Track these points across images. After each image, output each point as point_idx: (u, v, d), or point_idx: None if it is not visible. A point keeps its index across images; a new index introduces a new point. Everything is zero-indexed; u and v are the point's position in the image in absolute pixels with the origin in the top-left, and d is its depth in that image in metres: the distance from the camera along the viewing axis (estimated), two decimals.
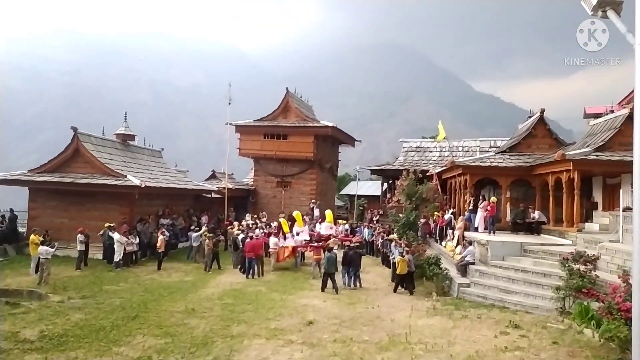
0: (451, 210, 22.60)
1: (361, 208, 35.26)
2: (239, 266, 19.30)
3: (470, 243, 16.69)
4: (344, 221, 27.50)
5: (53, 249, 16.39)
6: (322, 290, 15.81)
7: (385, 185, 34.34)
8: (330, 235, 21.87)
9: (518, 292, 13.76)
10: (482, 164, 20.55)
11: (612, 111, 19.36)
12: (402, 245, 17.54)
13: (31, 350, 9.18)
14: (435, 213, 23.13)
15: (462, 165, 21.14)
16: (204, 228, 22.90)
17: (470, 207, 19.66)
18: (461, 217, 19.96)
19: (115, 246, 18.85)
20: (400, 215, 23.93)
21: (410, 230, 21.85)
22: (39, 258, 15.98)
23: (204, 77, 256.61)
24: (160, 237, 19.95)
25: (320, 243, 19.58)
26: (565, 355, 9.25)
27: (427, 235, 22.84)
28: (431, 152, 33.64)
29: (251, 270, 17.93)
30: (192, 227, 23.45)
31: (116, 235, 18.92)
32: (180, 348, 9.44)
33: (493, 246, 15.72)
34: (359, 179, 40.47)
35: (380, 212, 30.24)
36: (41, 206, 22.25)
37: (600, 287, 11.66)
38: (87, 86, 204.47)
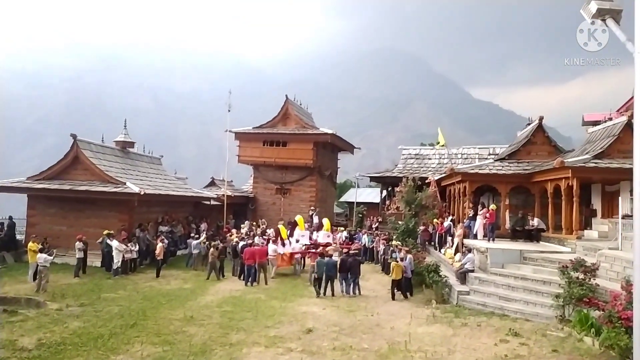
0: (450, 218, 22.59)
1: (360, 215, 35.24)
2: (238, 274, 19.25)
3: (470, 250, 16.69)
4: (342, 228, 27.47)
5: (52, 257, 16.35)
6: (317, 295, 15.89)
7: (385, 192, 34.35)
8: (327, 243, 21.85)
9: (518, 299, 13.73)
10: (481, 171, 20.57)
11: (611, 118, 19.41)
12: (404, 251, 17.53)
13: (29, 359, 9.14)
14: (435, 220, 23.12)
15: (461, 172, 21.16)
16: (203, 235, 22.91)
17: (470, 215, 19.65)
18: (460, 224, 19.95)
19: (113, 254, 18.81)
20: (400, 222, 23.92)
21: (409, 237, 21.84)
22: (37, 265, 15.94)
23: (204, 83, 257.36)
24: (159, 244, 19.91)
25: (319, 250, 19.55)
26: None
27: (427, 243, 22.82)
28: (430, 159, 33.70)
29: (250, 278, 17.90)
30: (192, 235, 23.44)
31: (115, 243, 18.89)
32: (179, 356, 9.40)
33: (492, 253, 15.70)
34: (358, 186, 40.49)
35: (380, 220, 30.22)
36: (40, 213, 22.23)
37: (600, 295, 11.64)
38: (89, 92, 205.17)
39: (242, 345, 10.18)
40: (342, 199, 46.56)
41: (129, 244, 19.48)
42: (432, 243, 22.77)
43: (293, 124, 34.21)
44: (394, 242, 20.37)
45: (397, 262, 15.86)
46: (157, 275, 19.03)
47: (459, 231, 19.08)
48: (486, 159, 27.56)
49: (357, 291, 16.34)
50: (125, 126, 26.12)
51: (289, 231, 22.29)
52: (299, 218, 23.19)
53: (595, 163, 16.12)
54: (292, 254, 20.63)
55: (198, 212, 29.37)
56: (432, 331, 11.64)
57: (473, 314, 13.31)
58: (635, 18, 5.95)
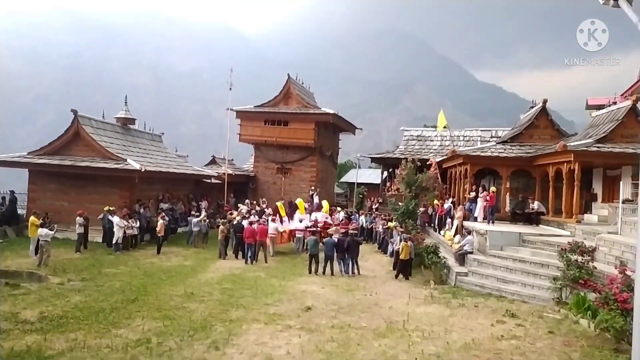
0: (451, 200, 22.62)
1: (361, 196, 35.29)
2: (235, 252, 19.35)
3: (469, 232, 16.76)
4: (340, 209, 27.54)
5: (53, 232, 16.42)
6: (309, 271, 16.21)
7: (386, 173, 34.34)
8: (326, 222, 21.96)
9: (515, 281, 13.84)
10: (482, 154, 20.52)
11: (615, 103, 19.31)
12: (399, 231, 17.61)
13: (31, 331, 9.25)
14: (435, 202, 23.15)
15: (463, 154, 21.11)
16: (203, 213, 22.97)
17: (471, 197, 19.67)
18: (460, 206, 20.00)
19: (114, 229, 18.89)
20: (400, 203, 23.95)
21: (409, 219, 21.89)
22: (39, 240, 16.02)
23: (205, 61, 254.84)
24: (160, 221, 19.99)
25: (319, 229, 19.69)
26: (560, 345, 9.33)
27: (426, 224, 22.90)
28: (432, 141, 33.57)
29: (250, 256, 18.03)
30: (192, 213, 23.50)
31: (116, 219, 18.95)
32: (179, 331, 9.52)
33: (492, 236, 15.77)
34: (359, 167, 40.41)
35: (380, 201, 30.28)
36: (41, 188, 22.27)
37: (598, 279, 11.72)
38: (88, 69, 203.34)
39: (242, 322, 10.29)
40: (342, 180, 46.55)
41: (129, 220, 19.55)
42: (432, 225, 22.85)
43: (295, 104, 34.00)
44: (391, 224, 20.45)
45: (407, 242, 15.95)
46: (158, 252, 19.16)
47: (459, 213, 19.14)
48: (488, 141, 27.45)
49: (356, 271, 16.47)
50: (125, 102, 25.95)
51: (288, 212, 22.37)
52: (299, 201, 23.26)
53: (598, 147, 16.05)
54: (290, 232, 20.76)
55: (199, 190, 29.42)
56: (430, 311, 11.76)
57: (471, 295, 13.43)
58: None
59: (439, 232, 21.05)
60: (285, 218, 21.65)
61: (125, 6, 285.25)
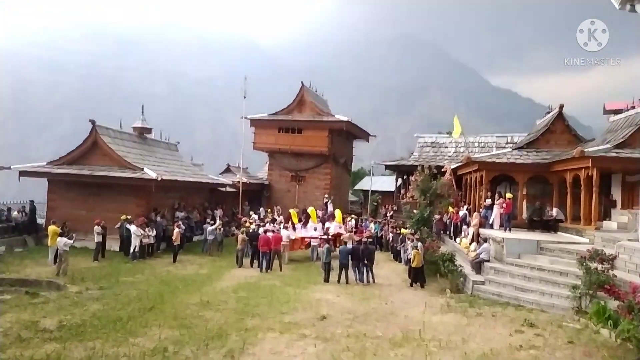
0: (466, 207, 22.42)
1: (375, 203, 35.18)
2: (250, 260, 19.39)
3: (486, 240, 16.57)
4: (354, 216, 27.46)
5: (71, 241, 16.68)
6: (327, 280, 16.16)
7: (400, 180, 34.19)
8: (339, 233, 21.90)
9: (534, 290, 13.62)
10: (498, 160, 20.31)
11: (633, 107, 18.94)
12: (414, 238, 17.52)
13: (50, 340, 9.37)
14: (450, 209, 22.97)
15: (478, 161, 20.92)
16: (218, 221, 23.11)
17: (487, 204, 19.47)
18: (476, 213, 19.80)
19: (132, 238, 19.11)
20: (415, 211, 23.82)
21: (424, 226, 21.75)
22: (57, 249, 16.27)
23: (219, 69, 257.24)
24: (176, 229, 20.17)
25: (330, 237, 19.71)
26: (581, 355, 9.15)
27: (442, 232, 22.71)
28: (446, 147, 33.37)
29: (265, 264, 18.07)
30: (207, 221, 23.66)
31: (133, 228, 19.17)
32: (195, 340, 9.56)
33: (509, 243, 15.56)
34: (373, 174, 40.32)
35: (395, 208, 30.14)
36: (60, 197, 22.65)
37: (618, 287, 11.48)
38: (105, 78, 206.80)
39: (257, 331, 10.30)
40: (356, 187, 46.49)
41: (146, 229, 19.76)
42: (447, 232, 22.66)
43: (308, 111, 34.12)
44: (404, 231, 20.33)
45: (417, 250, 15.86)
46: (174, 260, 19.32)
47: (474, 220, 18.95)
48: (504, 147, 27.21)
49: (371, 279, 16.39)
50: (142, 112, 26.32)
51: (302, 222, 22.34)
52: (311, 210, 23.24)
53: (616, 153, 15.79)
54: (302, 238, 20.78)
55: (213, 198, 29.64)
56: (447, 320, 11.63)
57: (488, 304, 13.25)
58: None
59: (455, 240, 20.85)
60: (298, 225, 21.66)
61: (141, 17, 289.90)
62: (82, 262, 17.85)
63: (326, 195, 31.12)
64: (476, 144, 31.85)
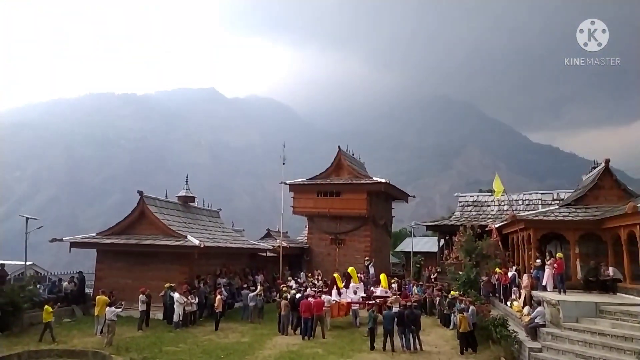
0: (515, 267, 21.47)
1: (418, 265, 34.25)
2: (294, 327, 18.97)
3: (539, 303, 15.68)
4: (396, 279, 26.71)
5: (120, 310, 16.94)
6: (372, 347, 15.60)
7: (442, 241, 33.35)
8: (385, 298, 21.26)
9: (597, 357, 12.57)
10: (546, 218, 19.60)
11: None
12: (466, 302, 16.80)
13: None
14: (497, 270, 22.04)
15: (525, 219, 20.25)
16: (259, 287, 22.94)
17: (538, 264, 18.58)
18: (526, 274, 18.89)
19: (175, 306, 19.20)
20: (460, 272, 22.99)
21: (471, 288, 20.86)
22: (105, 318, 16.51)
23: (258, 137, 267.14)
24: (218, 296, 20.16)
25: (378, 301, 19.13)
26: None
27: (490, 294, 21.69)
28: (489, 206, 32.58)
29: (307, 331, 17.62)
30: (244, 286, 23.48)
31: (176, 295, 19.32)
32: None
33: (565, 306, 14.64)
34: (414, 235, 39.60)
35: (438, 270, 29.21)
36: (107, 267, 23.25)
37: None
38: (152, 151, 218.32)
39: None
40: (397, 249, 45.59)
41: (189, 297, 19.85)
42: (497, 295, 21.61)
43: (346, 174, 34.49)
44: (453, 293, 19.58)
45: (463, 314, 15.17)
46: (216, 328, 19.16)
47: (525, 282, 18.04)
48: (550, 204, 26.34)
49: (417, 346, 15.65)
50: (186, 182, 27.35)
51: (344, 283, 21.95)
52: (351, 269, 22.85)
53: None
54: (348, 304, 20.26)
55: (254, 263, 29.69)
56: None
57: None
58: None
59: (505, 303, 19.80)
60: (344, 290, 21.21)
61: (185, 91, 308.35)
62: (127, 332, 17.97)
63: (367, 258, 30.60)
64: (520, 202, 30.95)
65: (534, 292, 17.26)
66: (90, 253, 24.64)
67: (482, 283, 21.83)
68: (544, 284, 17.67)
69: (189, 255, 21.81)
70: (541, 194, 31.28)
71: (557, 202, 26.49)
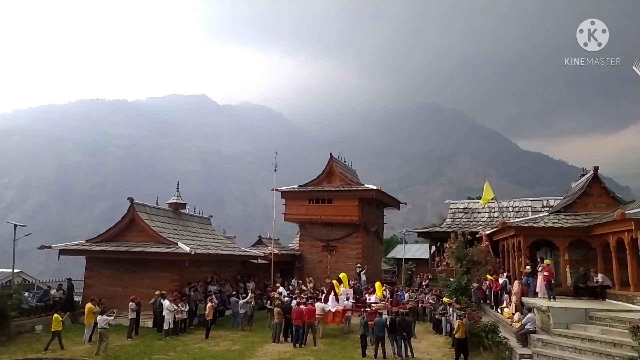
0: (506, 274, 21.58)
1: (409, 272, 34.28)
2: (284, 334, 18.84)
3: (530, 309, 15.76)
4: (386, 286, 26.70)
5: (112, 318, 16.74)
6: (364, 355, 15.59)
7: (434, 248, 33.46)
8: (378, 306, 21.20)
9: None
10: (536, 225, 19.76)
11: None
12: (456, 308, 16.84)
13: None
14: (488, 276, 22.14)
15: (515, 226, 20.40)
16: (250, 294, 22.76)
17: (527, 271, 18.70)
18: (517, 281, 18.99)
19: (164, 314, 19.02)
20: (451, 279, 23.07)
21: (462, 295, 20.94)
22: (94, 327, 16.31)
23: (250, 144, 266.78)
24: (209, 304, 19.99)
25: (372, 308, 19.08)
26: None
27: (481, 301, 21.76)
28: (479, 213, 32.78)
29: (298, 339, 17.53)
30: (234, 293, 23.31)
31: (165, 303, 19.13)
32: None
33: (555, 313, 14.74)
34: (405, 242, 39.67)
35: (430, 276, 29.27)
36: (97, 275, 22.97)
37: None
38: (143, 158, 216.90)
39: None
40: (389, 255, 45.65)
41: (179, 304, 19.67)
42: (488, 301, 21.69)
43: (338, 181, 34.52)
44: (446, 299, 19.62)
45: (461, 320, 15.20)
46: (207, 336, 18.98)
47: (516, 288, 18.14)
48: (540, 211, 26.59)
49: (409, 353, 15.64)
50: (177, 189, 27.21)
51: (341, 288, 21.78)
52: (343, 275, 22.79)
53: None
54: (344, 310, 20.23)
55: (246, 270, 29.53)
56: None
57: None
58: None
59: (496, 310, 19.89)
60: (342, 297, 21.14)
61: (177, 99, 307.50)
62: (116, 340, 17.74)
63: (358, 265, 30.60)
64: (510, 209, 31.18)
65: (524, 299, 17.35)
66: (79, 260, 24.36)
67: (473, 290, 21.90)
68: (537, 290, 17.77)
69: (179, 262, 21.63)
70: (531, 200, 31.55)
71: (547, 209, 26.75)
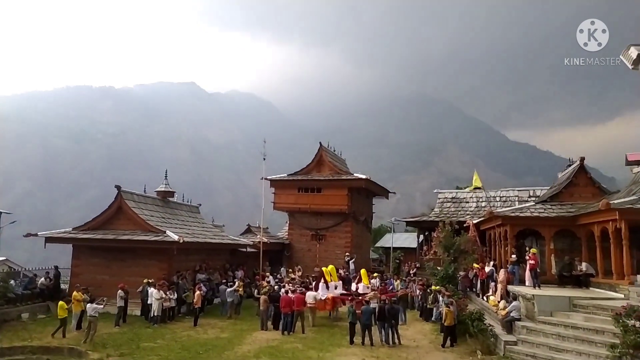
0: (492, 263, 21.84)
1: (397, 261, 34.54)
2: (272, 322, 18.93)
3: (515, 297, 16.00)
4: (376, 274, 26.90)
5: (101, 306, 16.66)
6: (352, 342, 15.73)
7: (422, 237, 33.73)
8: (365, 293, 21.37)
9: (570, 350, 12.95)
10: (522, 214, 19.99)
11: None
12: (446, 294, 17.07)
13: None
14: (475, 265, 22.41)
15: (501, 215, 20.61)
16: (237, 282, 22.75)
17: (513, 259, 18.94)
18: (503, 269, 19.25)
19: (152, 302, 18.98)
20: (438, 268, 23.29)
21: (449, 283, 21.17)
22: (81, 315, 16.24)
23: (239, 133, 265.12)
24: (197, 292, 19.99)
25: (360, 297, 19.24)
26: None
27: (468, 289, 22.04)
28: (467, 202, 33.04)
29: (287, 327, 17.63)
30: (223, 282, 23.32)
31: (151, 290, 19.09)
32: None
33: (539, 301, 15.00)
34: (394, 231, 39.90)
35: (418, 265, 29.53)
36: (84, 263, 22.82)
37: None
38: (131, 146, 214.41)
39: None
40: (377, 244, 45.92)
41: (167, 292, 19.64)
42: (474, 289, 21.98)
43: (327, 171, 34.52)
44: (435, 288, 19.84)
45: (449, 307, 15.41)
46: (195, 324, 19.01)
47: (501, 277, 18.39)
48: (526, 201, 26.87)
49: (396, 340, 15.82)
50: (165, 177, 26.99)
51: (323, 280, 21.87)
52: (331, 267, 22.89)
53: None
54: (334, 298, 20.37)
55: (235, 259, 29.54)
56: None
57: None
58: None
59: (482, 298, 20.16)
60: (331, 284, 21.25)
61: (166, 86, 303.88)
62: (104, 328, 17.65)
63: (347, 254, 30.77)
64: (497, 199, 31.48)
65: (510, 287, 17.60)
66: (66, 249, 24.13)
67: (460, 278, 22.15)
68: (525, 278, 18.02)
69: (167, 250, 21.58)
70: (518, 190, 31.82)
71: (534, 198, 27.05)
